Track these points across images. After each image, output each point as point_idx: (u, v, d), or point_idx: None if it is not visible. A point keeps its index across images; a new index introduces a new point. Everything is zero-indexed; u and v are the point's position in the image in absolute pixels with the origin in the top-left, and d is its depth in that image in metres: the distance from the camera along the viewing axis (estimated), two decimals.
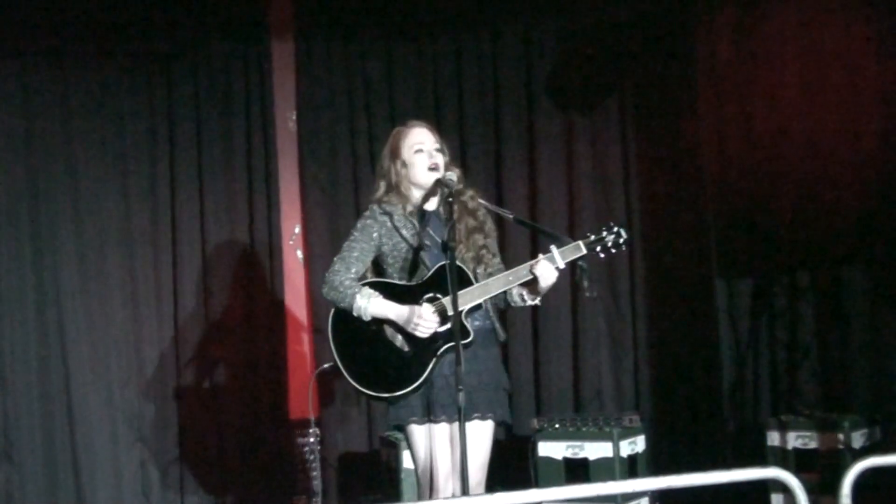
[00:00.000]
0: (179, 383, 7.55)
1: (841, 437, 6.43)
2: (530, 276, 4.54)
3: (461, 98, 7.81)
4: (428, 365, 4.54)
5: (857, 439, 6.48)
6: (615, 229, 4.59)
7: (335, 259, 4.73)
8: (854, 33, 7.18)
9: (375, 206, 4.77)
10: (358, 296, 4.58)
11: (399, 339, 4.59)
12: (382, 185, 4.77)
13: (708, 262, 7.51)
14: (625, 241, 4.60)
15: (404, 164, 4.70)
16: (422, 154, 4.68)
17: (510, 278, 4.56)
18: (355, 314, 4.59)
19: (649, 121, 7.68)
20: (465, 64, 7.81)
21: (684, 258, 7.57)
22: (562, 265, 4.53)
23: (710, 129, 7.48)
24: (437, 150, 4.71)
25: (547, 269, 4.51)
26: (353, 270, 4.67)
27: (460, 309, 4.48)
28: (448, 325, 4.53)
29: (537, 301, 4.72)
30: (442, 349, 4.55)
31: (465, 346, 4.50)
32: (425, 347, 4.56)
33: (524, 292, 4.69)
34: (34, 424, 7.31)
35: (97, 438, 7.40)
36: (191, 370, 7.56)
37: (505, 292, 4.69)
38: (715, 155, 7.47)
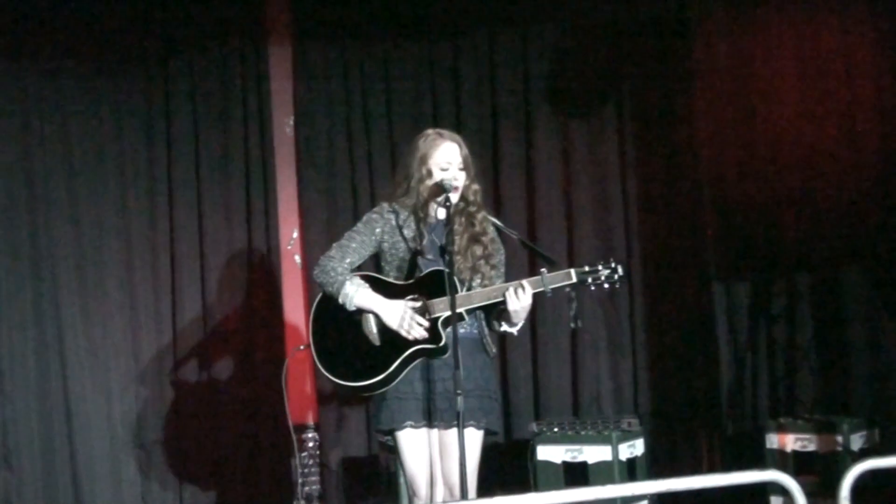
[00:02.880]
0: (178, 389, 7.55)
1: (840, 439, 6.44)
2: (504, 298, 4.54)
3: (458, 102, 7.80)
4: (393, 363, 4.58)
5: (856, 441, 6.48)
6: (613, 265, 4.54)
7: (333, 245, 4.80)
8: (852, 35, 7.20)
9: (385, 204, 4.84)
10: (347, 283, 4.63)
11: (374, 333, 4.64)
12: (403, 186, 4.80)
13: (706, 265, 7.52)
14: (620, 278, 4.55)
15: (429, 174, 4.72)
16: (447, 173, 4.70)
17: (493, 293, 4.58)
18: (340, 301, 4.64)
19: (647, 123, 7.68)
20: (463, 68, 7.81)
21: (682, 261, 7.58)
22: (548, 290, 4.53)
23: (708, 132, 7.49)
24: (461, 169, 4.74)
25: (520, 296, 4.50)
26: (348, 260, 4.72)
27: (437, 315, 4.53)
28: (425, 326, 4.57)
29: (514, 330, 4.72)
30: (410, 350, 4.57)
31: (437, 351, 4.55)
32: (396, 346, 4.59)
33: (503, 320, 4.70)
34: (33, 431, 7.30)
35: (96, 444, 7.39)
36: (189, 376, 7.56)
37: (488, 315, 4.72)
38: (712, 158, 7.48)
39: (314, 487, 7.31)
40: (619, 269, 4.55)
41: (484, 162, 7.66)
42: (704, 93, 7.50)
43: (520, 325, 4.72)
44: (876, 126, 7.13)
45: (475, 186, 4.78)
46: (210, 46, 7.72)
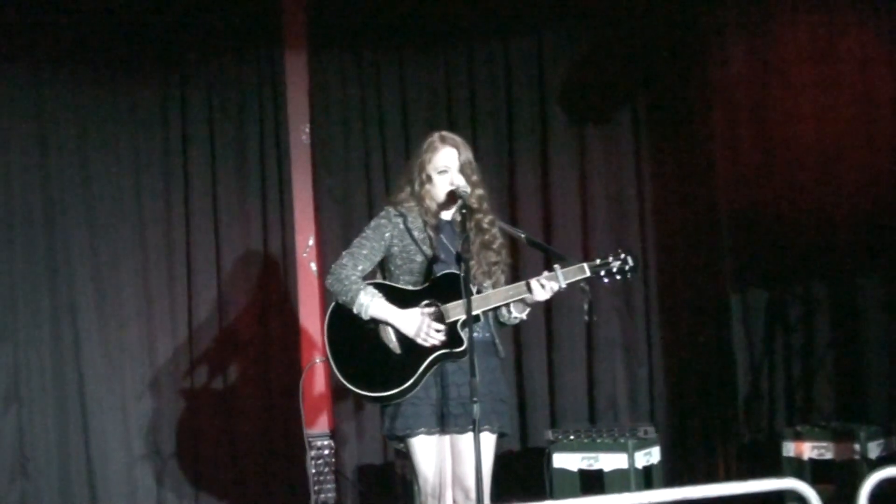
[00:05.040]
0: (194, 396, 7.55)
1: (857, 447, 6.41)
2: (529, 293, 4.59)
3: (473, 109, 7.81)
4: (416, 370, 4.59)
5: (874, 450, 6.46)
6: (622, 256, 4.64)
7: (344, 253, 4.80)
8: (867, 36, 7.18)
9: (391, 208, 4.84)
10: (362, 293, 4.64)
11: (393, 342, 4.64)
12: (407, 190, 4.82)
13: (722, 273, 7.49)
14: (631, 268, 4.64)
15: (429, 179, 4.76)
16: (445, 175, 4.74)
17: (510, 293, 4.64)
18: (355, 311, 4.65)
19: (662, 130, 7.67)
20: (478, 75, 7.82)
21: (698, 269, 7.56)
22: (563, 285, 4.59)
23: (724, 139, 7.47)
24: (461, 172, 4.75)
25: (543, 287, 4.56)
26: (360, 268, 4.73)
27: (455, 319, 4.55)
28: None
29: (524, 315, 4.80)
30: (432, 357, 4.58)
31: (458, 355, 4.56)
32: (417, 353, 4.60)
33: (514, 309, 4.76)
34: (49, 438, 7.31)
35: (112, 452, 7.40)
36: (205, 383, 7.57)
37: (496, 309, 4.75)
38: (728, 166, 7.47)
39: (329, 495, 7.31)
40: (630, 260, 4.64)
41: (499, 168, 7.70)
42: (720, 99, 7.48)
43: (529, 309, 4.79)
44: (893, 132, 7.10)
45: (479, 192, 4.80)
46: (226, 54, 7.74)
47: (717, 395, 7.49)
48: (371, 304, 4.63)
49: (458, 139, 4.86)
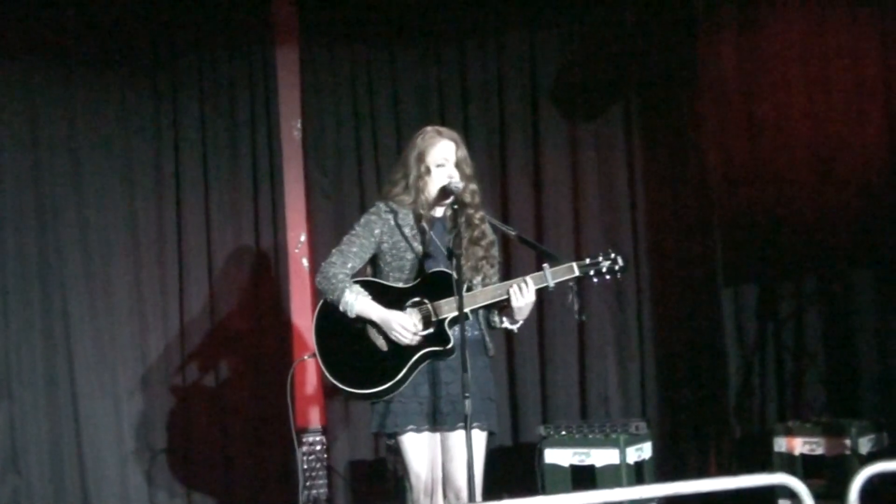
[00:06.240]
0: (186, 392, 7.55)
1: (848, 442, 6.42)
2: (514, 296, 4.58)
3: (466, 104, 7.82)
4: (403, 368, 4.60)
5: (865, 445, 6.47)
6: (612, 256, 4.64)
7: (333, 251, 4.81)
8: (859, 34, 7.18)
9: (381, 204, 4.83)
10: (347, 291, 4.64)
11: (380, 339, 4.65)
12: (401, 184, 4.80)
13: (713, 268, 7.50)
14: (621, 268, 4.64)
15: (427, 171, 4.74)
16: (443, 169, 4.74)
17: (498, 291, 4.63)
18: (341, 309, 4.66)
19: (654, 126, 7.68)
20: (470, 70, 7.83)
21: (690, 264, 7.57)
22: (552, 284, 4.58)
23: (715, 133, 7.48)
24: (457, 167, 4.75)
25: (524, 292, 4.56)
26: (350, 265, 4.73)
27: (444, 316, 4.55)
28: (430, 331, 4.58)
29: (515, 328, 4.81)
30: (419, 354, 4.58)
31: (445, 353, 4.56)
32: (404, 350, 4.61)
33: (504, 316, 4.77)
34: (41, 435, 7.30)
35: (104, 448, 7.39)
36: (197, 379, 7.56)
37: (489, 311, 4.74)
38: (719, 161, 7.48)
39: (321, 490, 7.31)
40: (619, 260, 4.64)
41: (491, 165, 7.70)
42: (711, 96, 7.49)
43: (521, 322, 4.77)
44: (884, 128, 7.11)
45: (472, 186, 4.79)
46: (217, 49, 7.74)
47: (708, 390, 7.50)
48: (356, 302, 4.63)
49: (454, 133, 4.86)
